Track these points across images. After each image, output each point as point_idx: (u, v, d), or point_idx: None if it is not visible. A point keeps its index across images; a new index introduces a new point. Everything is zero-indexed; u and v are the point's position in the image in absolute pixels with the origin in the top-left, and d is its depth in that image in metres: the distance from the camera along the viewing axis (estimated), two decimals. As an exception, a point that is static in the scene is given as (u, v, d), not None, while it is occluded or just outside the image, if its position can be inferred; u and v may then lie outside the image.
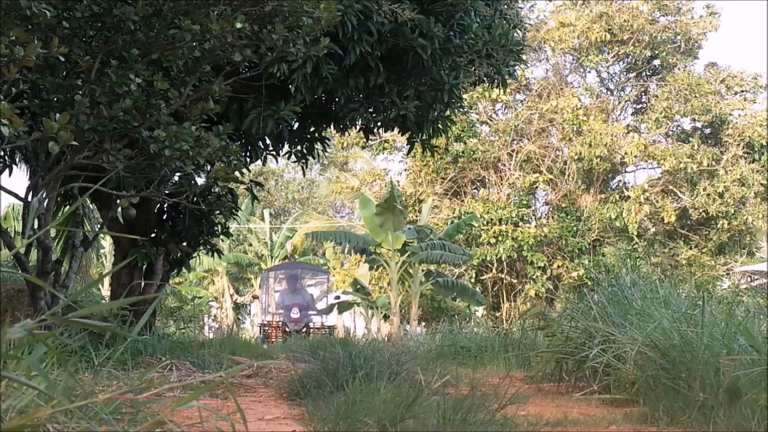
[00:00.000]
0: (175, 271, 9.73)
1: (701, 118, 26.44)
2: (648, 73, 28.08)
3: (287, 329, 17.91)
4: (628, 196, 25.89)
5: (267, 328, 19.27)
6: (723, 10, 46.89)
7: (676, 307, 5.71)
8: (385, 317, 26.70)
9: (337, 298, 23.64)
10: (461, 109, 12.66)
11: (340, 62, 8.00)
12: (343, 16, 7.34)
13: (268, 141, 9.23)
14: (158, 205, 9.08)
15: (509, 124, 26.45)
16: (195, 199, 8.06)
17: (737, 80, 26.77)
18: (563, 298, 19.23)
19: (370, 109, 8.96)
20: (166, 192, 7.52)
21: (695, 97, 25.95)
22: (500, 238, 25.11)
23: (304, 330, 17.78)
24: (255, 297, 21.57)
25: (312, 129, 9.63)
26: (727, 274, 26.49)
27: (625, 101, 28.20)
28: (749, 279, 24.84)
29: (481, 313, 26.77)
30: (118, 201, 6.93)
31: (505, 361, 8.04)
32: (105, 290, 18.78)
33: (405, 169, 27.90)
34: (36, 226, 7.30)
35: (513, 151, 26.73)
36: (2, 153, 7.80)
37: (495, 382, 6.15)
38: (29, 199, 7.01)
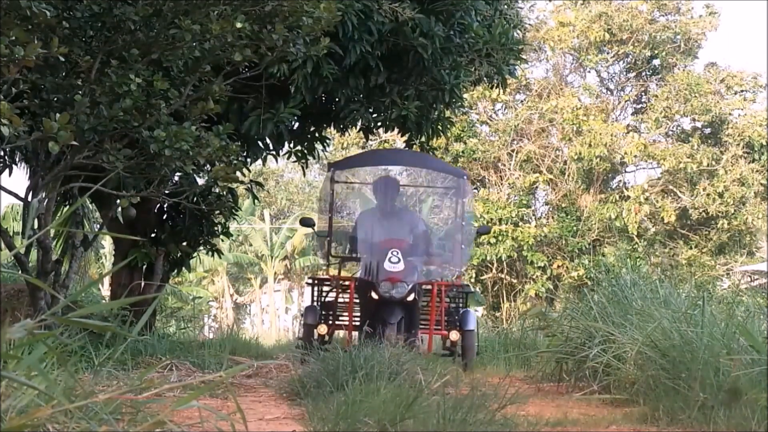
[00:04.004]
0: (175, 271, 9.74)
1: (701, 118, 26.43)
2: (648, 73, 28.07)
3: (377, 294, 7.99)
4: (628, 196, 25.89)
5: (327, 290, 8.95)
6: (723, 10, 46.95)
7: (676, 307, 5.71)
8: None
9: (485, 231, 11.95)
10: (462, 109, 12.67)
11: (340, 62, 8.00)
12: (343, 15, 7.34)
13: (268, 141, 9.23)
14: (158, 206, 9.08)
15: (509, 124, 26.45)
16: (195, 199, 8.07)
17: (737, 80, 26.77)
18: (563, 298, 19.23)
19: (370, 109, 8.97)
20: (166, 192, 7.52)
21: (695, 97, 25.94)
22: (500, 238, 25.10)
23: (410, 299, 8.00)
24: (309, 226, 8.91)
25: (312, 129, 9.63)
26: (727, 274, 26.48)
27: (625, 101, 28.20)
28: (749, 279, 24.83)
29: (481, 313, 26.79)
30: (118, 201, 6.94)
31: (505, 361, 8.04)
32: (105, 290, 18.77)
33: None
34: (36, 226, 7.30)
35: (513, 151, 26.73)
36: (2, 153, 7.80)
37: (495, 382, 6.15)
38: (29, 199, 7.01)
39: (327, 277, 9.05)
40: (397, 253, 8.05)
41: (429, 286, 8.45)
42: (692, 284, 8.65)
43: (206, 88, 6.64)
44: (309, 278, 9.54)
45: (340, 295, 8.76)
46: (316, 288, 9.07)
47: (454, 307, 8.77)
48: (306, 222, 8.98)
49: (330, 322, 8.62)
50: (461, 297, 8.91)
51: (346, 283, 8.64)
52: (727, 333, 4.82)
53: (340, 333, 8.86)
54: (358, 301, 8.45)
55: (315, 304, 8.87)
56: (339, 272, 8.92)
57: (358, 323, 8.29)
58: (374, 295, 7.98)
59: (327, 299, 8.94)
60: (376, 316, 7.90)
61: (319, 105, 9.13)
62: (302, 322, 8.73)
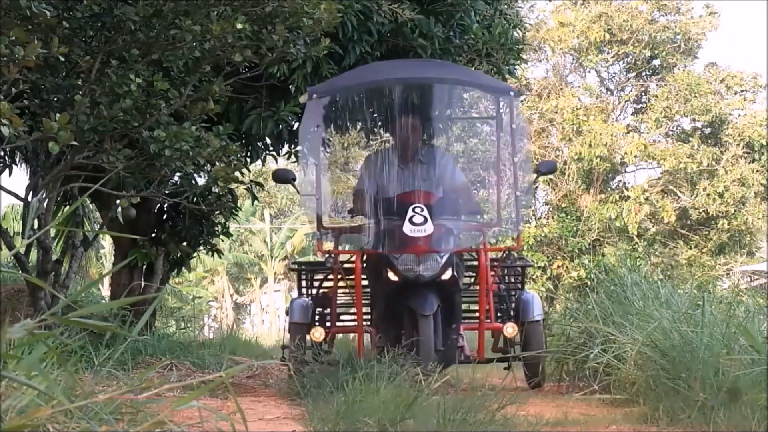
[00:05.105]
0: (175, 271, 9.74)
1: (701, 118, 26.45)
2: (648, 73, 28.08)
3: (397, 274, 5.51)
4: (628, 196, 25.89)
5: (320, 277, 6.51)
6: (723, 10, 46.98)
7: (677, 307, 5.71)
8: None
9: (549, 170, 6.89)
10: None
11: (340, 62, 8.00)
12: (343, 16, 7.34)
13: (268, 141, 9.24)
14: (158, 206, 9.08)
15: (509, 124, 26.44)
16: (195, 199, 8.06)
17: (737, 80, 26.78)
18: (563, 298, 19.23)
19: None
20: (166, 192, 7.52)
21: (695, 97, 25.95)
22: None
23: (447, 278, 5.58)
24: (286, 181, 6.33)
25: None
26: (727, 274, 26.49)
27: (625, 101, 28.20)
28: (749, 279, 24.84)
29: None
30: (118, 201, 6.94)
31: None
32: (105, 290, 18.77)
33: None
34: (36, 226, 7.30)
35: (513, 151, 26.72)
36: (2, 153, 7.80)
37: (495, 382, 6.15)
38: (29, 199, 7.01)
39: (318, 260, 6.67)
40: (422, 209, 5.54)
41: (469, 259, 5.97)
42: (692, 284, 8.64)
43: (206, 88, 6.64)
44: (293, 264, 7.00)
45: (343, 283, 6.23)
46: (303, 276, 6.61)
47: (505, 289, 6.38)
48: (281, 175, 6.48)
49: (328, 323, 6.27)
50: (517, 274, 6.47)
51: (350, 265, 6.05)
52: (727, 333, 4.81)
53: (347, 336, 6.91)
54: (368, 287, 6.04)
55: (305, 297, 6.41)
56: (335, 247, 6.14)
57: (370, 322, 6.01)
58: (392, 276, 5.51)
59: (321, 289, 6.45)
60: (398, 307, 5.51)
61: (318, 105, 9.14)
62: (288, 321, 6.24)
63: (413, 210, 5.57)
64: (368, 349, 5.82)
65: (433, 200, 5.83)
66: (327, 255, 6.00)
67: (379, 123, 6.42)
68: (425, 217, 5.55)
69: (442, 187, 6.14)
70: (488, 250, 6.12)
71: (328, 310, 6.37)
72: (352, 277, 6.04)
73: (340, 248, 6.27)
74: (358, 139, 6.47)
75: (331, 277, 6.38)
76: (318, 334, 6.05)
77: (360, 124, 6.48)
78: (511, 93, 6.42)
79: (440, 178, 6.18)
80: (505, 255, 6.15)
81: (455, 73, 6.88)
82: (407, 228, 5.53)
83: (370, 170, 6.31)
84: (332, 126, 6.71)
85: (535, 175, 6.66)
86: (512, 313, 6.25)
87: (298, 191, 6.58)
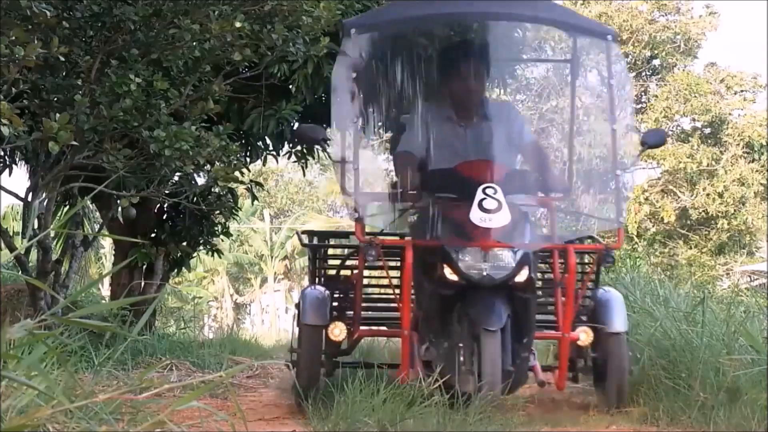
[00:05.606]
0: (175, 271, 9.74)
1: (701, 118, 26.46)
2: (648, 73, 28.10)
3: (456, 273, 4.16)
4: (628, 197, 25.93)
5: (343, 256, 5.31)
6: (723, 10, 46.98)
7: (677, 307, 5.72)
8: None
9: (657, 142, 5.29)
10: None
11: (340, 62, 7.99)
12: (343, 15, 7.34)
13: (268, 141, 9.24)
14: (158, 206, 9.08)
15: (509, 124, 26.49)
16: (195, 199, 8.07)
17: (737, 80, 26.80)
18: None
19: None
20: (166, 192, 7.52)
21: (695, 97, 25.96)
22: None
23: (522, 282, 4.20)
24: (311, 141, 5.66)
25: (312, 129, 9.62)
26: (727, 274, 26.50)
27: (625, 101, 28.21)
28: (749, 279, 24.85)
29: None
30: (118, 201, 6.94)
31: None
32: (105, 290, 18.76)
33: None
34: (36, 227, 7.30)
35: (513, 151, 26.78)
36: (2, 153, 7.80)
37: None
38: (29, 199, 7.01)
39: (343, 231, 5.31)
40: (495, 191, 4.27)
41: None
42: (692, 284, 8.66)
43: (206, 88, 6.64)
44: (303, 233, 5.53)
45: (371, 271, 5.11)
46: (319, 254, 5.36)
47: (579, 287, 4.89)
48: (307, 134, 5.32)
49: (350, 319, 4.96)
50: (593, 267, 5.03)
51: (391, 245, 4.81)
52: (727, 333, 4.82)
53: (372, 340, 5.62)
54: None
55: (319, 286, 5.14)
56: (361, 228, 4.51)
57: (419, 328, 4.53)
58: (449, 275, 4.29)
59: (342, 274, 5.21)
60: (454, 315, 4.34)
61: (319, 105, 9.13)
62: (298, 320, 4.94)
63: (484, 192, 4.24)
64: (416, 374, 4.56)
65: (508, 175, 4.49)
66: (367, 244, 4.48)
67: (435, 69, 4.89)
68: (499, 202, 4.22)
69: (514, 154, 4.81)
70: (582, 249, 4.91)
71: (347, 303, 5.09)
72: (396, 274, 4.71)
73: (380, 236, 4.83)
74: (406, 89, 4.72)
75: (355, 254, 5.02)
76: (338, 331, 4.81)
77: (409, 69, 4.77)
78: (609, 37, 4.89)
79: (512, 142, 4.78)
80: (603, 255, 4.67)
81: (534, 9, 5.02)
82: (476, 216, 4.21)
83: (418, 129, 4.86)
84: (374, 71, 4.85)
85: (640, 148, 5.26)
86: (583, 317, 4.92)
87: (329, 156, 5.13)
